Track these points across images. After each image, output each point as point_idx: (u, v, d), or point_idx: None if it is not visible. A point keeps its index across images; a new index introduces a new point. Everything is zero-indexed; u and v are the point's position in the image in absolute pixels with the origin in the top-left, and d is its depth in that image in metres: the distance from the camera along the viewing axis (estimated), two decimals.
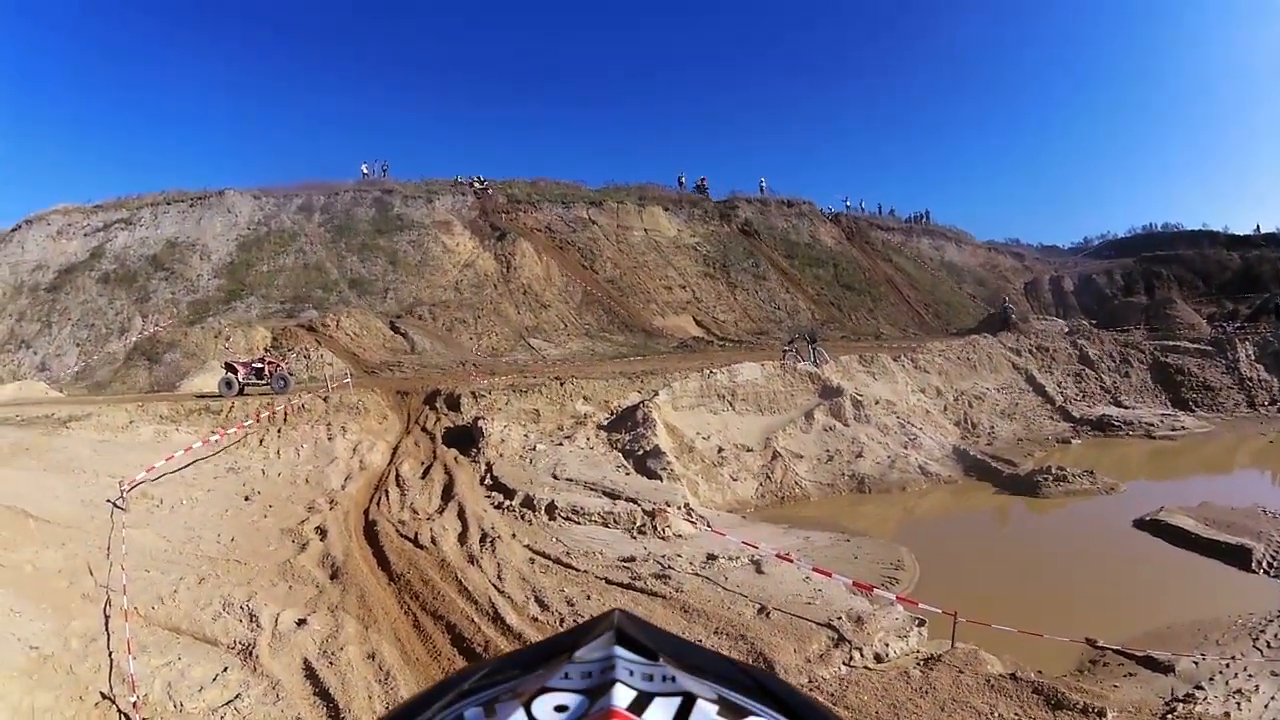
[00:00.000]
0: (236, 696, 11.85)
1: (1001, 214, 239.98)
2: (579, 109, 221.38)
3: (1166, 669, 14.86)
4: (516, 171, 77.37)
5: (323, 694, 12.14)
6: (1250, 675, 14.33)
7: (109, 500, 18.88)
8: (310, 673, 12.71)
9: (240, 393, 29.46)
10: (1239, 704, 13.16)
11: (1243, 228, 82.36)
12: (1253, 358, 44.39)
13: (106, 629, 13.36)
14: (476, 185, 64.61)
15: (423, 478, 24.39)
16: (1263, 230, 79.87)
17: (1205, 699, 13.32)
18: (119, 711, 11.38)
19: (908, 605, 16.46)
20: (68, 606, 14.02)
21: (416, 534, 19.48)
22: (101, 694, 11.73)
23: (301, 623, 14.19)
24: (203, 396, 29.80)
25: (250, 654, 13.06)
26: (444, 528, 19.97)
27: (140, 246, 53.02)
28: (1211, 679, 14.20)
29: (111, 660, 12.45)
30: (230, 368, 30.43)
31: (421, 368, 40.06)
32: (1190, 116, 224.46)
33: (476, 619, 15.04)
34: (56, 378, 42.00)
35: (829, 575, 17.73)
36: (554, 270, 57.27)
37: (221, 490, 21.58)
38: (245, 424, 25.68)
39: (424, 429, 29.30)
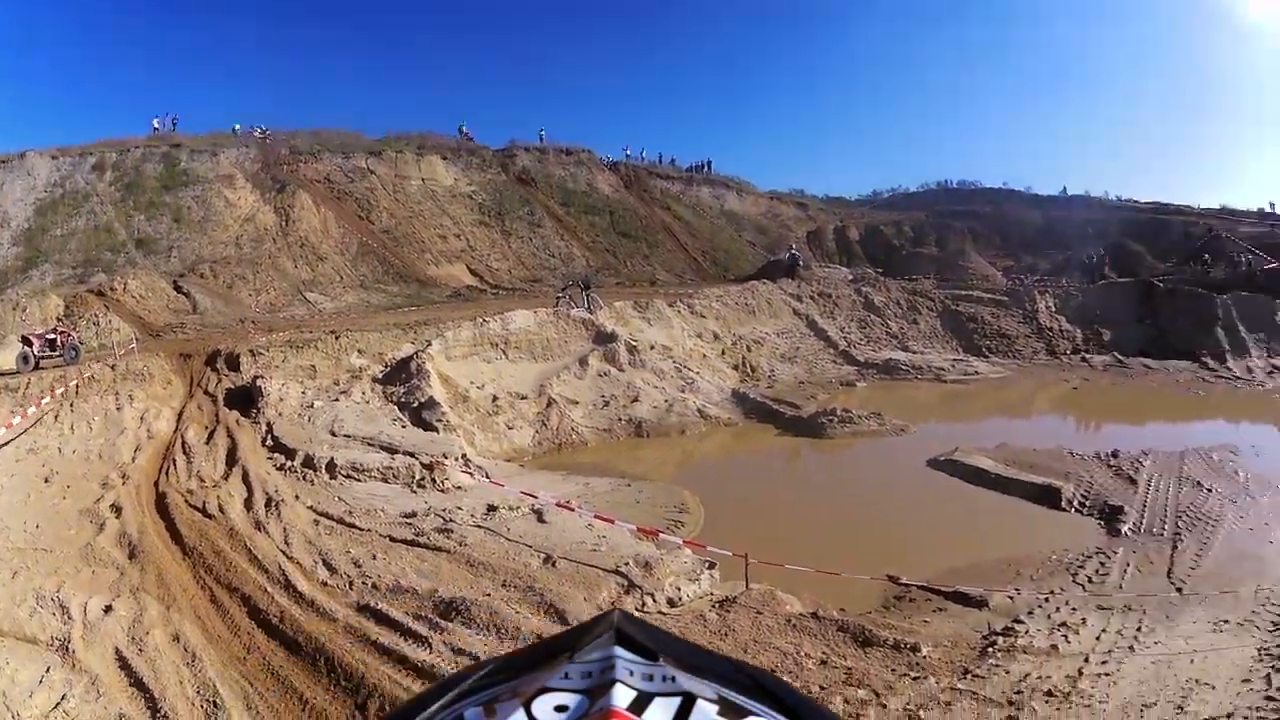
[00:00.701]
0: (63, 698, 11.48)
1: (787, 165, 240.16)
2: (369, 58, 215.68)
3: (979, 604, 15.40)
4: (304, 123, 75.80)
5: (138, 684, 11.83)
6: (1074, 609, 14.80)
7: None
8: (124, 663, 12.36)
9: (36, 367, 29.18)
10: (1066, 637, 13.49)
11: (1048, 190, 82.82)
12: (1053, 309, 46.39)
13: None
14: (258, 135, 63.84)
15: (207, 443, 24.04)
16: (1069, 193, 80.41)
17: (1027, 632, 13.64)
18: None
19: (695, 549, 17.17)
20: None
21: (204, 503, 19.17)
22: None
23: (108, 609, 13.82)
24: (1, 375, 29.08)
25: (67, 649, 12.66)
26: (230, 494, 19.80)
27: None
28: (1031, 613, 14.64)
29: None
30: (26, 341, 29.98)
31: (204, 328, 39.76)
32: (991, 73, 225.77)
33: (269, 588, 14.93)
34: None
35: (611, 522, 18.48)
36: (331, 222, 57.07)
37: (23, 474, 20.95)
38: (42, 400, 25.29)
39: (206, 391, 28.87)
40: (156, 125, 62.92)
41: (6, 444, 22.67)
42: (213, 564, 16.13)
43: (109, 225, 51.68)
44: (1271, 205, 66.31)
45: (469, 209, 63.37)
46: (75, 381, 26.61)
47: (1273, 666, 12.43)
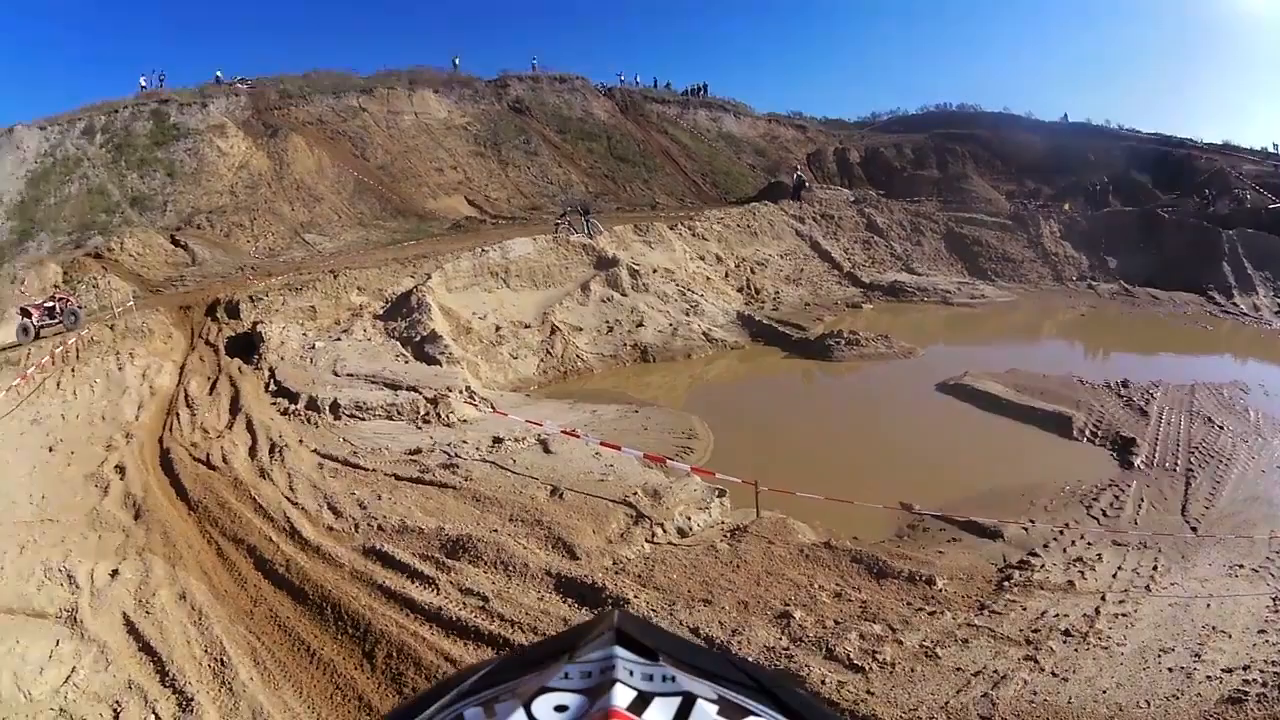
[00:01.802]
0: (73, 671, 11.39)
1: (784, 86, 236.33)
2: None
3: (994, 534, 15.20)
4: (292, 67, 75.51)
5: (146, 648, 11.78)
6: (1090, 544, 14.58)
7: None
8: (131, 627, 12.31)
9: (37, 336, 28.93)
10: (1082, 573, 13.25)
11: (1049, 115, 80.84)
12: (1058, 234, 45.21)
13: None
14: (239, 85, 63.23)
15: (210, 394, 24.22)
16: (1070, 119, 77.27)
17: (1043, 566, 13.44)
18: None
19: (704, 476, 17.08)
20: None
21: (209, 455, 19.18)
22: None
23: (115, 574, 13.81)
24: (2, 349, 28.73)
25: (75, 619, 12.58)
26: (234, 444, 19.79)
27: None
28: (1046, 546, 14.43)
29: None
30: (25, 312, 29.66)
31: (203, 279, 39.51)
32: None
33: (274, 537, 14.92)
34: None
35: (618, 449, 18.37)
36: (326, 162, 56.93)
37: (27, 445, 20.68)
38: (42, 369, 25.11)
39: (207, 342, 29.06)
40: (144, 83, 62.14)
41: (7, 417, 22.34)
42: (218, 517, 16.15)
43: (102, 188, 51.22)
44: (1276, 145, 64.25)
45: (464, 140, 63.16)
46: (75, 345, 26.50)
47: None
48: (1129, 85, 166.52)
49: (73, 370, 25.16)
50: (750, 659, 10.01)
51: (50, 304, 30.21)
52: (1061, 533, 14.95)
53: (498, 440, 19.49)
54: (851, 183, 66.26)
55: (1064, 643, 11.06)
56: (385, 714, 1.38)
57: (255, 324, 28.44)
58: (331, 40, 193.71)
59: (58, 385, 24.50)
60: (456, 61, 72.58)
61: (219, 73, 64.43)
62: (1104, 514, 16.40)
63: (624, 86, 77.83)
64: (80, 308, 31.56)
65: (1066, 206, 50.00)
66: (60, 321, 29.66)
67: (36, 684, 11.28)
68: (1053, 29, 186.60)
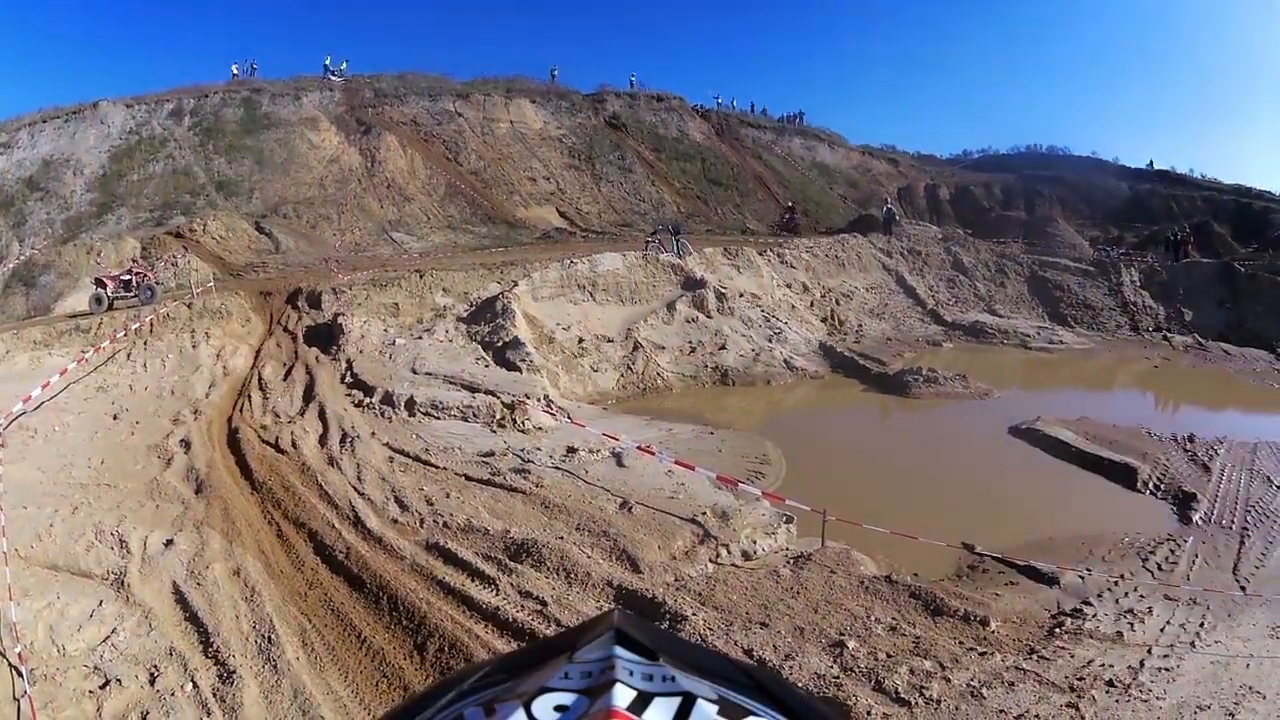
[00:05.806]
0: (113, 631, 11.50)
1: (878, 119, 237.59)
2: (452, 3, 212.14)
3: (1051, 581, 14.98)
4: (388, 65, 76.20)
5: (192, 618, 11.93)
6: (1142, 596, 14.38)
7: None
8: (180, 597, 12.48)
9: (110, 308, 29.04)
10: (1132, 625, 13.12)
11: (1135, 162, 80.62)
12: (1138, 284, 44.61)
13: None
14: (332, 78, 63.90)
15: (284, 379, 24.49)
16: (1156, 167, 77.49)
17: (1095, 615, 13.28)
18: (9, 665, 10.78)
19: (774, 501, 16.75)
20: None
21: (278, 438, 19.47)
22: None
23: (169, 543, 13.94)
24: (74, 316, 29.25)
25: (122, 583, 12.74)
26: (305, 430, 20.07)
27: (17, 169, 51.01)
28: (1100, 596, 14.26)
29: None
30: (99, 283, 29.91)
31: (285, 267, 39.77)
32: (1083, 38, 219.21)
33: (337, 524, 14.98)
34: None
35: (692, 469, 18.05)
36: (418, 163, 57.10)
37: (91, 411, 21.02)
38: (114, 339, 25.33)
39: (286, 329, 29.24)
40: (235, 71, 63.38)
41: (75, 383, 22.76)
42: (281, 499, 16.28)
43: (188, 169, 51.84)
44: None
45: (559, 152, 63.18)
46: (149, 320, 26.68)
47: None
48: (1208, 134, 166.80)
49: (145, 344, 25.65)
50: (799, 684, 10.04)
51: (126, 276, 30.33)
52: (1116, 584, 14.87)
53: (572, 450, 19.51)
54: (940, 220, 65.94)
55: (1106, 693, 10.99)
56: (384, 713, 1.61)
57: (336, 315, 28.66)
58: (427, 44, 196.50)
59: (128, 357, 24.75)
60: (554, 73, 73.02)
61: (328, 59, 65.26)
62: (1159, 568, 16.24)
63: (720, 109, 77.93)
64: (158, 283, 31.84)
65: (1149, 257, 49.12)
66: (136, 295, 29.72)
67: (72, 640, 11.38)
68: (1137, 75, 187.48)
